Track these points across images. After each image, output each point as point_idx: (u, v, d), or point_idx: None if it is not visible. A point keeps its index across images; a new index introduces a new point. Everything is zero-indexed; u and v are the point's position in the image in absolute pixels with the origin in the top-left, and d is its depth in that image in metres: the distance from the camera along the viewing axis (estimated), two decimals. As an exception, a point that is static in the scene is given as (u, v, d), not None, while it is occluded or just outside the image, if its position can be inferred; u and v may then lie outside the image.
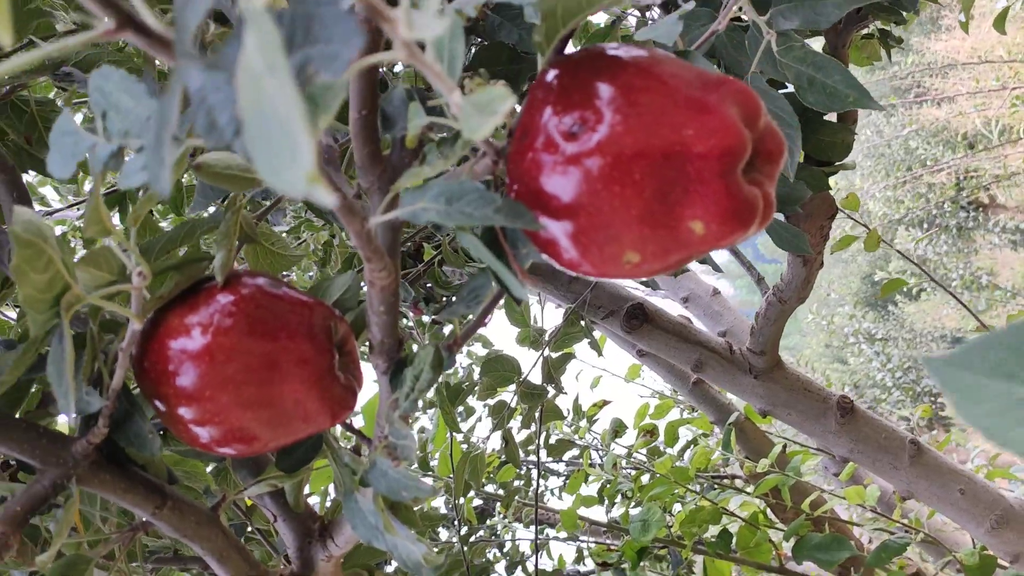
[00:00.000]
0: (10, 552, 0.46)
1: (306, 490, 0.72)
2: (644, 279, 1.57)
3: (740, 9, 0.71)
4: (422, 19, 0.24)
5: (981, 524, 1.51)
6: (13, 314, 1.15)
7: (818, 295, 11.48)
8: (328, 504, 1.58)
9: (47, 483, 0.48)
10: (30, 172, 0.85)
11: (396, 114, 0.48)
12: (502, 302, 1.08)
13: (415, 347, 0.50)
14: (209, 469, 0.70)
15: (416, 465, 2.18)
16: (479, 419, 2.41)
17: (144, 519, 0.55)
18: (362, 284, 0.55)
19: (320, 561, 0.63)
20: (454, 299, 0.52)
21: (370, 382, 0.59)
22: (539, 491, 2.65)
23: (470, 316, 0.62)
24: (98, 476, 0.49)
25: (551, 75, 0.43)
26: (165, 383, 0.49)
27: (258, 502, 0.64)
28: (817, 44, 1.28)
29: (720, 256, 1.91)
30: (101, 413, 0.47)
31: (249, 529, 1.06)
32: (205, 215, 0.99)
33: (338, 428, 0.60)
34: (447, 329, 1.95)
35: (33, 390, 0.54)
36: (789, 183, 1.12)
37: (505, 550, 2.48)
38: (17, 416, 0.52)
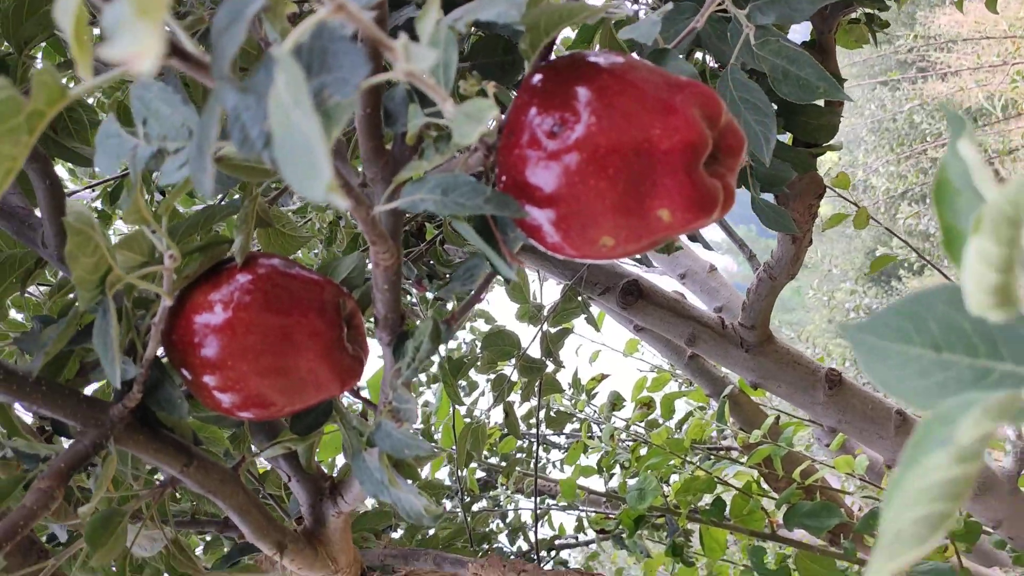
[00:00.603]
0: (56, 503, 0.52)
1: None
2: (638, 256, 1.62)
3: (722, 3, 0.76)
4: (418, 51, 0.29)
5: (964, 492, 1.57)
6: (37, 292, 1.20)
7: (820, 271, 11.51)
8: (337, 472, 1.64)
9: (88, 443, 0.54)
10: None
11: (398, 111, 0.53)
12: (502, 280, 1.13)
13: (417, 322, 0.55)
14: (228, 435, 0.75)
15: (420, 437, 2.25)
16: (481, 393, 2.47)
17: (172, 477, 0.61)
18: (368, 263, 0.60)
19: (331, 517, 0.69)
20: (452, 278, 0.57)
21: (375, 357, 0.65)
22: (539, 463, 2.72)
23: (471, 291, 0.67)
24: (132, 437, 0.55)
25: (536, 79, 0.48)
26: (191, 354, 0.55)
27: (273, 464, 0.70)
28: (806, 28, 1.32)
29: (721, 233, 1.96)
30: (135, 380, 0.53)
31: (262, 495, 1.12)
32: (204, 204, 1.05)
33: (347, 397, 0.65)
34: (450, 306, 2.00)
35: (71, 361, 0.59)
36: (776, 164, 1.17)
37: (507, 520, 2.55)
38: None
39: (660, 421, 2.13)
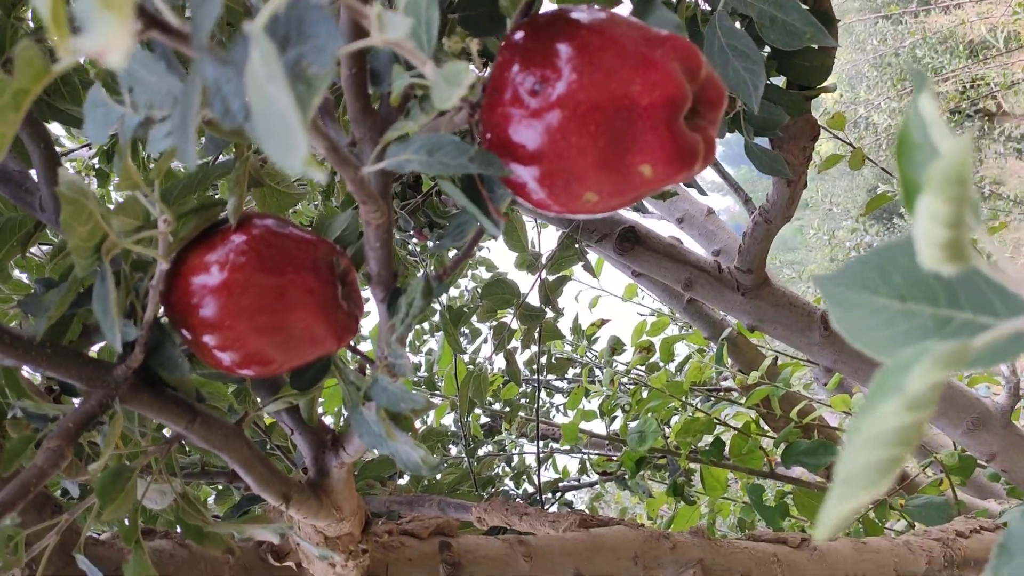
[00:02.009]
0: (65, 462, 0.54)
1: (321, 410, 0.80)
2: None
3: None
4: (392, 20, 0.30)
5: (958, 426, 1.60)
6: (39, 253, 1.21)
7: (822, 210, 11.47)
8: (342, 423, 1.67)
9: (94, 402, 0.55)
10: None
11: (383, 70, 0.53)
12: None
13: (419, 273, 0.56)
14: (231, 391, 0.77)
15: (424, 387, 2.28)
16: (484, 340, 2.50)
17: (177, 433, 0.62)
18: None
19: (334, 468, 0.71)
20: (443, 234, 0.58)
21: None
22: (542, 407, 2.75)
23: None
24: (137, 396, 0.57)
25: (517, 36, 0.48)
26: (190, 314, 0.56)
27: (276, 418, 0.71)
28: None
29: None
30: (137, 342, 0.55)
31: (269, 446, 1.15)
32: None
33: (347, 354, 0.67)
34: (452, 253, 2.01)
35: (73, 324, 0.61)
36: (769, 108, 1.17)
37: (513, 463, 2.60)
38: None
39: (660, 365, 2.16)
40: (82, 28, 0.20)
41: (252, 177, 0.74)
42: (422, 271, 0.56)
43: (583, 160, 0.46)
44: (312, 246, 0.60)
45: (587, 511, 2.81)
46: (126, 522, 0.67)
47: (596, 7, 0.50)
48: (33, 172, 0.74)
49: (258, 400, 0.68)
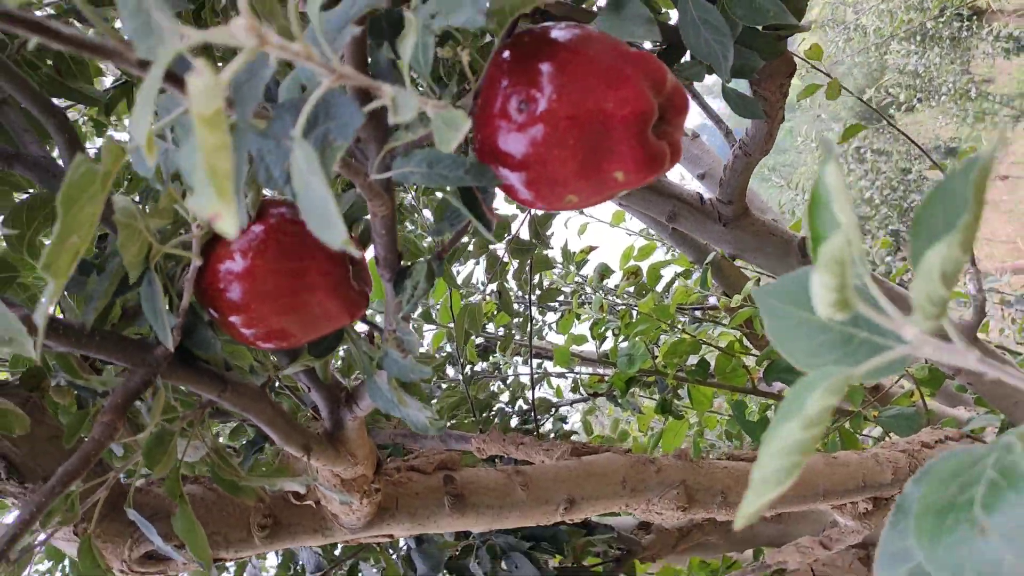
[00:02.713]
0: (118, 433, 0.62)
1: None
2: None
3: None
4: (404, 101, 0.36)
5: (928, 344, 1.69)
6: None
7: (811, 115, 11.41)
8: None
9: (139, 380, 0.63)
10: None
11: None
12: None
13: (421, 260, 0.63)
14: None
15: (420, 318, 2.35)
16: (477, 262, 2.57)
17: (209, 399, 0.70)
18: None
19: (348, 421, 0.79)
20: (440, 220, 0.65)
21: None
22: (536, 325, 2.84)
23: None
24: (176, 372, 0.64)
25: (504, 54, 0.54)
26: (218, 298, 0.63)
27: (295, 377, 0.79)
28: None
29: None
30: (174, 327, 0.62)
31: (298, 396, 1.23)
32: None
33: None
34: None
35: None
36: (743, 53, 1.22)
37: (508, 382, 2.70)
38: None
39: (647, 289, 2.24)
40: (194, 190, 0.26)
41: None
42: (423, 259, 0.62)
43: (565, 168, 0.52)
44: (324, 232, 0.66)
45: (581, 425, 2.94)
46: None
47: (574, 24, 0.56)
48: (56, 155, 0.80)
49: (279, 363, 0.76)
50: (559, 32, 0.54)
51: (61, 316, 0.68)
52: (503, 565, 1.69)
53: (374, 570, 1.50)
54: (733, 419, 2.36)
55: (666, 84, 0.53)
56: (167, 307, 0.62)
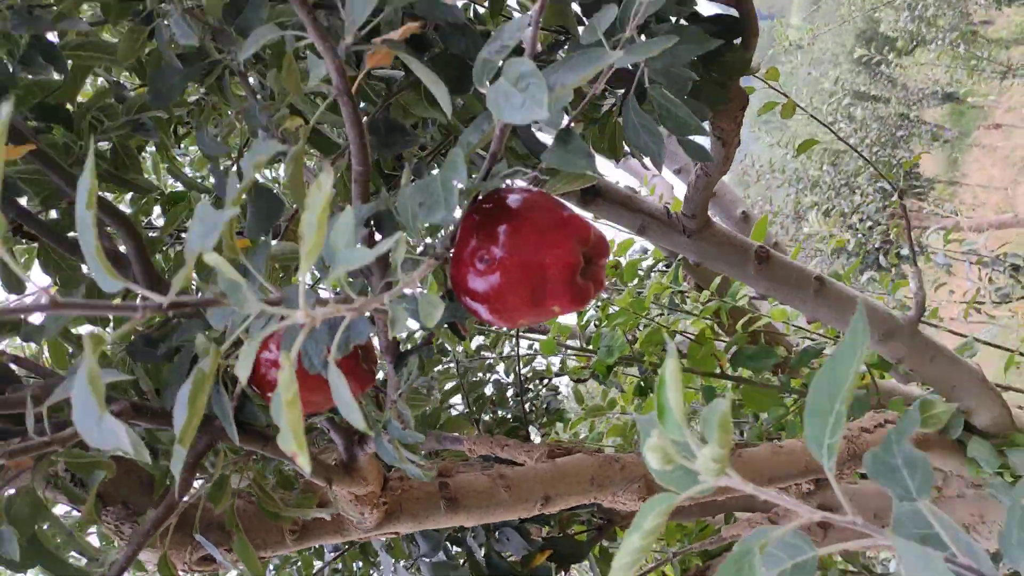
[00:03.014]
0: (191, 486, 0.83)
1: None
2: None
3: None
4: (399, 317, 0.56)
5: (872, 336, 1.90)
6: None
7: (811, 55, 11.42)
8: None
9: (203, 444, 0.83)
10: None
11: (386, 229, 0.78)
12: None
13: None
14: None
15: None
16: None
17: (252, 450, 0.91)
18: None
19: (360, 456, 1.00)
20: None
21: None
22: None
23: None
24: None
25: (473, 216, 0.74)
26: (262, 383, 0.84)
27: (320, 424, 1.00)
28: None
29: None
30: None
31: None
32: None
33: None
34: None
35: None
36: (692, 106, 1.40)
37: (503, 355, 2.91)
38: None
39: (624, 285, 2.43)
40: (281, 433, 0.46)
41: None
42: (415, 350, 0.82)
43: (516, 304, 0.72)
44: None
45: (572, 395, 3.15)
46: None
47: (523, 189, 0.75)
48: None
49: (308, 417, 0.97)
50: (513, 198, 0.74)
51: (140, 399, 0.89)
52: (496, 537, 1.91)
53: (381, 549, 1.72)
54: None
55: (591, 237, 0.73)
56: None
